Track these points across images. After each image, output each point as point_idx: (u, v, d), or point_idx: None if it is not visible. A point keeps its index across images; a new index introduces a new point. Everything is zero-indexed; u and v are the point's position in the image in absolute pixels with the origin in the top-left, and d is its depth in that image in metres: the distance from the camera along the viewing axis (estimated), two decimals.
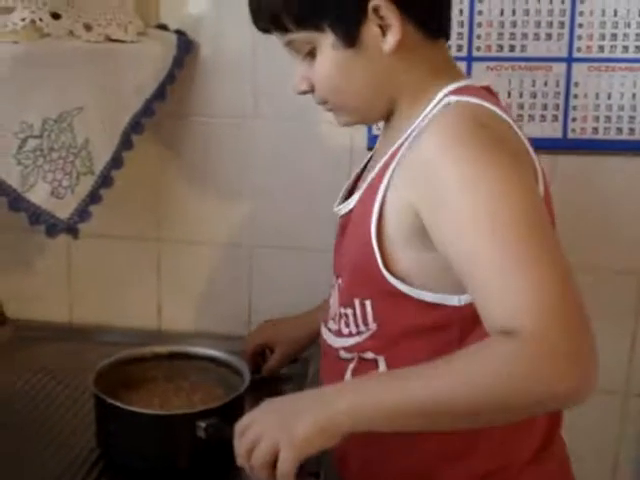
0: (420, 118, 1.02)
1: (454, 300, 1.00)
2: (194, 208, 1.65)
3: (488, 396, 0.86)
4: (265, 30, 1.08)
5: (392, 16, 1.00)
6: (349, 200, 1.12)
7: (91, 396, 1.21)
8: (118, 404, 1.16)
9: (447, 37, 1.09)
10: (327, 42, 1.03)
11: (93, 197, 1.36)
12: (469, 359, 0.88)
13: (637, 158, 1.54)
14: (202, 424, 1.12)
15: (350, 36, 1.02)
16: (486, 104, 1.00)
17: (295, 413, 0.92)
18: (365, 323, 1.07)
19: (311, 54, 1.06)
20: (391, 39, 1.01)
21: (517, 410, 0.89)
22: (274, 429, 0.92)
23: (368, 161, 1.21)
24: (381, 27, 1.01)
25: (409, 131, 1.03)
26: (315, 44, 1.04)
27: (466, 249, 0.91)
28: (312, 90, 1.09)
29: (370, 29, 1.01)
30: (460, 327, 1.01)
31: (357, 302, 1.07)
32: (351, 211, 1.11)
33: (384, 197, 1.01)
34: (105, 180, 1.39)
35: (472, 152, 0.92)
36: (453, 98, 1.01)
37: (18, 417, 1.35)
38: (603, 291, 1.57)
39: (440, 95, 1.03)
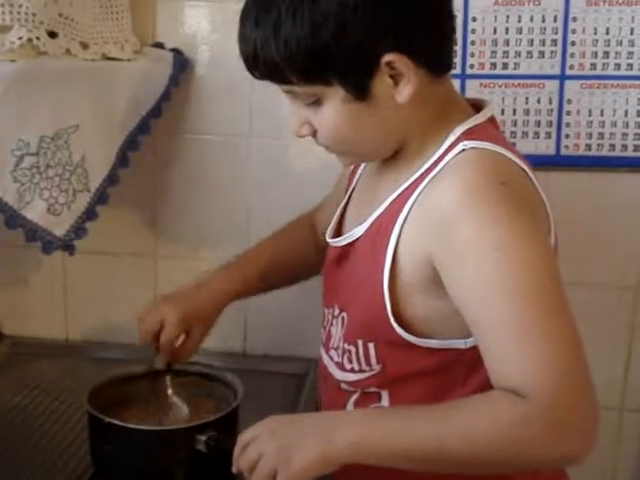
0: (431, 161, 1.00)
1: (460, 344, 1.01)
2: (190, 225, 1.66)
3: (492, 454, 0.89)
4: (260, 79, 1.02)
5: (405, 68, 0.96)
6: (352, 231, 1.10)
7: (86, 413, 1.21)
8: (116, 422, 1.16)
9: (450, 68, 1.06)
10: (336, 96, 0.98)
11: (89, 214, 1.37)
12: (477, 414, 0.90)
13: (630, 174, 1.55)
14: (202, 437, 1.12)
15: (361, 90, 0.97)
16: (501, 150, 0.99)
17: (297, 440, 0.93)
18: (368, 364, 1.06)
19: (314, 102, 1.00)
20: (406, 91, 0.97)
21: (517, 467, 0.93)
22: (274, 453, 0.93)
23: (355, 186, 1.20)
24: (393, 77, 0.97)
25: (420, 172, 1.01)
26: (321, 96, 0.99)
27: (481, 311, 0.92)
28: (313, 135, 1.04)
29: (382, 81, 0.97)
30: (465, 367, 1.02)
31: (360, 342, 1.06)
32: (354, 242, 1.10)
33: (397, 244, 1.00)
34: (101, 197, 1.40)
35: (493, 215, 0.92)
36: (468, 144, 0.98)
37: (13, 434, 1.35)
38: (598, 307, 1.57)
39: (452, 138, 1.01)
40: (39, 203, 1.26)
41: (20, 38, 1.19)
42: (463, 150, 0.98)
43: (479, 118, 1.04)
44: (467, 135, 1.00)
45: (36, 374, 1.57)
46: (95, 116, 1.36)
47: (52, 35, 1.26)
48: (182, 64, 1.56)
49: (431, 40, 1.00)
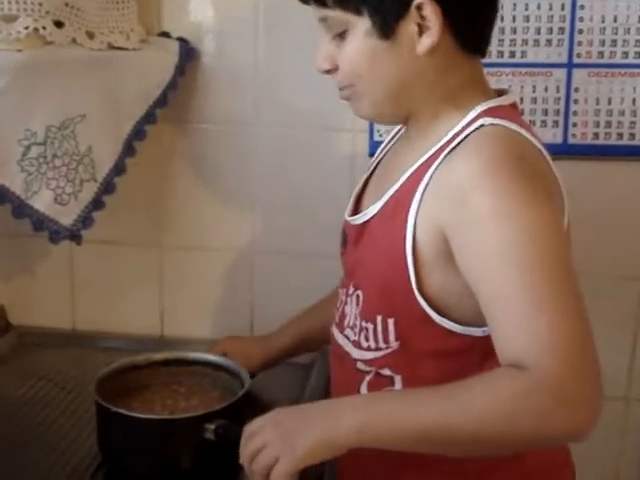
0: (451, 134, 1.01)
1: (478, 332, 1.01)
2: (196, 214, 1.66)
3: (496, 430, 0.88)
4: (306, 1, 1.05)
5: (434, 18, 0.98)
6: (367, 210, 1.10)
7: (94, 403, 1.22)
8: (125, 412, 1.16)
9: (483, 54, 1.07)
10: (362, 28, 1.00)
11: (96, 204, 1.37)
12: (481, 391, 0.89)
13: (637, 163, 1.54)
14: (211, 426, 1.13)
15: (387, 27, 0.99)
16: (521, 130, 1.00)
17: (301, 426, 0.94)
18: (386, 341, 1.06)
19: (342, 35, 1.03)
20: (426, 41, 0.99)
21: (522, 443, 0.92)
22: (278, 440, 0.94)
23: (377, 165, 1.20)
24: (419, 26, 0.99)
25: (438, 146, 1.01)
26: (349, 27, 1.02)
27: (490, 281, 0.92)
28: (334, 70, 1.06)
29: (408, 26, 0.99)
30: (481, 352, 1.01)
31: (379, 319, 1.06)
32: (368, 221, 1.10)
33: (416, 218, 1.00)
34: (108, 187, 1.40)
35: (507, 186, 0.92)
36: (488, 120, 0.99)
37: (21, 423, 1.35)
38: (604, 297, 1.57)
39: (472, 114, 1.01)
40: (46, 193, 1.26)
41: (26, 28, 1.19)
42: (482, 126, 0.99)
43: (501, 101, 1.05)
44: (487, 113, 1.01)
45: (43, 364, 1.58)
46: (101, 106, 1.36)
47: (58, 25, 1.26)
48: (188, 53, 1.55)
49: (468, 7, 1.01)
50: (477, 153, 0.96)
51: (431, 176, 1.00)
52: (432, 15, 0.98)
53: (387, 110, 1.09)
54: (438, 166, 0.99)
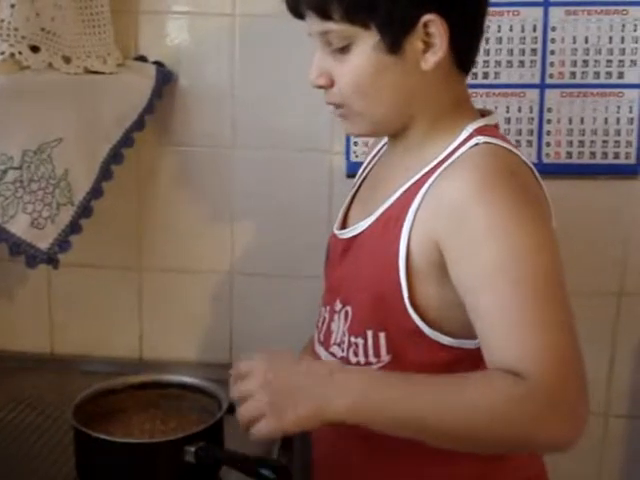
0: (445, 153, 1.03)
1: (470, 344, 1.02)
2: (174, 237, 1.66)
3: (489, 430, 0.90)
4: (300, 15, 1.04)
5: (440, 36, 0.99)
6: (356, 225, 1.11)
7: (71, 428, 1.21)
8: (105, 437, 1.15)
9: (468, 73, 1.09)
10: (369, 42, 1.00)
11: (73, 227, 1.37)
12: (478, 390, 0.90)
13: (611, 181, 1.56)
14: (191, 449, 1.12)
15: (395, 42, 1.00)
16: (512, 149, 1.02)
17: (295, 392, 0.92)
18: (377, 355, 1.06)
19: (342, 50, 1.02)
20: (432, 58, 1.01)
21: (510, 445, 0.94)
22: (266, 407, 0.92)
23: (362, 181, 1.21)
24: (425, 43, 1.00)
25: (433, 164, 1.03)
26: (354, 40, 1.01)
27: (482, 294, 0.94)
28: (329, 86, 1.05)
29: (414, 42, 1.00)
30: (472, 363, 1.02)
31: (370, 333, 1.06)
32: (357, 236, 1.11)
33: (410, 232, 1.01)
34: (85, 210, 1.40)
35: (502, 201, 0.95)
36: (481, 138, 1.01)
37: None
38: (580, 313, 1.55)
39: (465, 133, 1.03)
40: (23, 217, 1.26)
41: (2, 53, 1.20)
42: (476, 144, 1.01)
43: (488, 121, 1.08)
44: (479, 132, 1.03)
45: (21, 388, 1.56)
46: (78, 130, 1.36)
47: (34, 49, 1.26)
48: (165, 77, 1.56)
49: (470, 24, 1.04)
50: (472, 170, 0.98)
51: (425, 192, 1.01)
52: (439, 31, 0.99)
53: (383, 127, 1.10)
54: (432, 183, 1.01)
